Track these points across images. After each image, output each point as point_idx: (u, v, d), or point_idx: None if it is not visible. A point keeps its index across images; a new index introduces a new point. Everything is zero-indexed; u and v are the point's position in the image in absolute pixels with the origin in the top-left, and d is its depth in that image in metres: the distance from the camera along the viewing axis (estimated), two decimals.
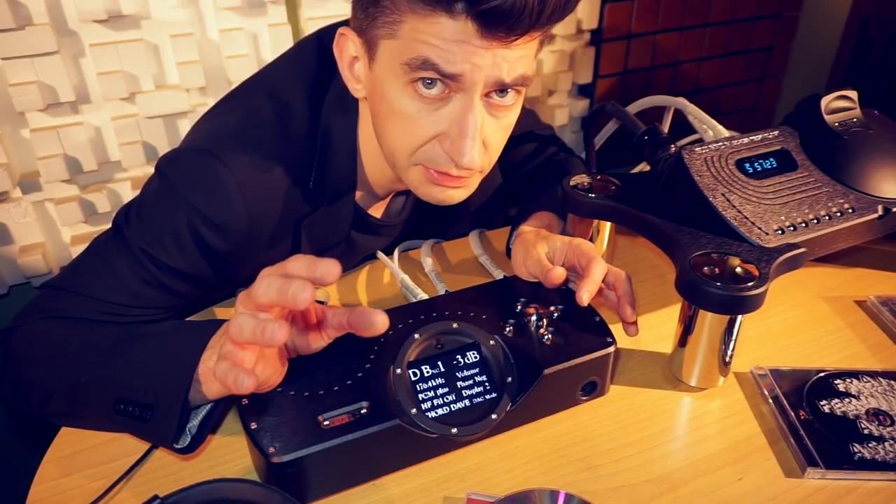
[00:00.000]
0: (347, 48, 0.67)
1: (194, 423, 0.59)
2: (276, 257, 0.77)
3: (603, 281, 0.70)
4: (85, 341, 0.62)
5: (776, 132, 0.75)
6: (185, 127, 1.22)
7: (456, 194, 0.70)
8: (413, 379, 0.59)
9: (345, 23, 0.73)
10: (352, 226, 0.80)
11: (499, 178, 0.94)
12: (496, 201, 0.96)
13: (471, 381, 0.60)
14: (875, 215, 0.69)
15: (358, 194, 0.80)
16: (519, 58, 0.60)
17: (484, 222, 1.00)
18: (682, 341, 0.68)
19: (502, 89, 0.63)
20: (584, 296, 0.65)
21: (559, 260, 0.71)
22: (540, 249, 0.72)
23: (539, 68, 1.58)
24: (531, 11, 0.55)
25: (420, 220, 0.91)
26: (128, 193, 1.23)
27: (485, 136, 0.65)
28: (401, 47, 0.60)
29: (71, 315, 0.65)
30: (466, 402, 0.59)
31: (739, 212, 0.67)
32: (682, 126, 1.02)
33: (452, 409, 0.59)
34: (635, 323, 0.69)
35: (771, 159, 0.72)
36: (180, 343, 0.58)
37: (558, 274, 0.68)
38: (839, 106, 0.77)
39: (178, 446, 0.57)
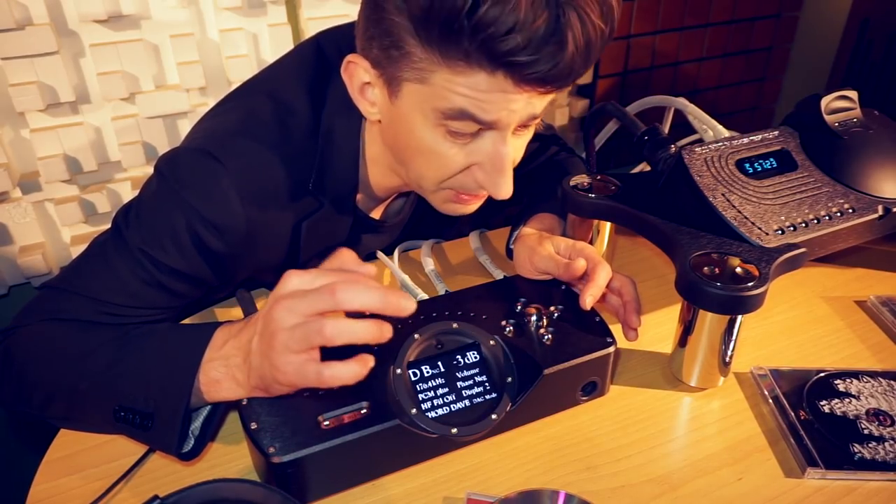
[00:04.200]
0: (358, 75, 0.66)
1: (196, 424, 0.59)
2: (276, 258, 0.77)
3: (607, 286, 0.70)
4: (84, 346, 0.62)
5: (776, 132, 0.75)
6: (185, 127, 1.22)
7: (472, 207, 0.73)
8: (413, 379, 0.59)
9: (346, 27, 0.73)
10: (351, 227, 0.80)
11: None
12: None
13: (471, 381, 0.60)
14: (875, 215, 0.69)
15: (358, 196, 0.80)
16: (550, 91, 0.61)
17: (484, 222, 0.99)
18: (682, 341, 0.68)
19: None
20: (588, 300, 0.65)
21: (564, 256, 0.71)
22: (547, 246, 0.72)
23: None
24: (569, 73, 0.56)
25: (420, 220, 0.91)
26: (128, 194, 1.23)
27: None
28: (432, 95, 0.59)
29: (71, 316, 0.65)
30: (466, 402, 0.59)
31: (739, 212, 0.67)
32: (682, 126, 1.02)
33: (452, 409, 0.59)
34: (636, 329, 0.70)
35: (771, 159, 0.72)
36: (177, 350, 0.58)
37: (580, 265, 0.67)
38: (839, 106, 0.77)
39: (182, 451, 0.57)
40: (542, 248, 0.72)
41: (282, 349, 0.51)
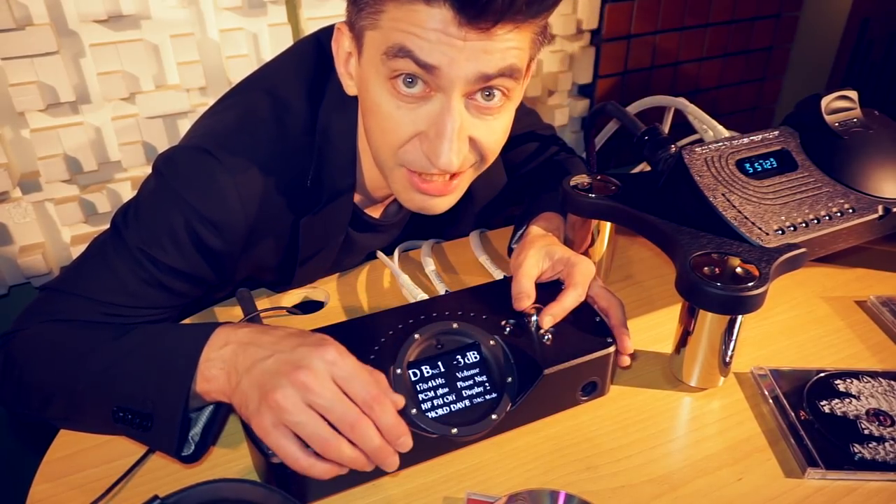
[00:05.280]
0: (343, 44, 0.67)
1: (196, 430, 0.59)
2: (274, 256, 0.77)
3: (596, 303, 0.70)
4: (82, 347, 0.61)
5: (776, 132, 0.75)
6: (185, 127, 1.22)
7: (440, 203, 0.69)
8: (413, 379, 0.59)
9: None
10: (350, 225, 0.80)
11: (504, 178, 0.94)
12: (498, 201, 0.96)
13: (471, 382, 0.60)
14: (875, 215, 0.69)
15: (357, 196, 0.80)
16: (506, 49, 0.59)
17: (484, 222, 1.00)
18: (683, 341, 0.68)
19: (488, 91, 0.61)
20: (546, 319, 0.64)
21: (551, 270, 0.70)
22: (538, 259, 0.71)
23: (539, 68, 1.58)
24: (497, 3, 0.54)
25: (420, 220, 0.91)
26: (128, 193, 1.23)
27: (476, 137, 0.64)
28: (381, 38, 0.59)
29: (70, 317, 0.65)
30: (466, 402, 0.59)
31: (739, 212, 0.67)
32: (682, 126, 1.02)
33: (452, 409, 0.59)
34: (633, 354, 0.69)
35: (771, 159, 0.72)
36: (175, 350, 0.58)
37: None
38: (839, 106, 0.77)
39: (183, 454, 0.57)
40: (553, 249, 0.71)
41: (280, 410, 0.50)
